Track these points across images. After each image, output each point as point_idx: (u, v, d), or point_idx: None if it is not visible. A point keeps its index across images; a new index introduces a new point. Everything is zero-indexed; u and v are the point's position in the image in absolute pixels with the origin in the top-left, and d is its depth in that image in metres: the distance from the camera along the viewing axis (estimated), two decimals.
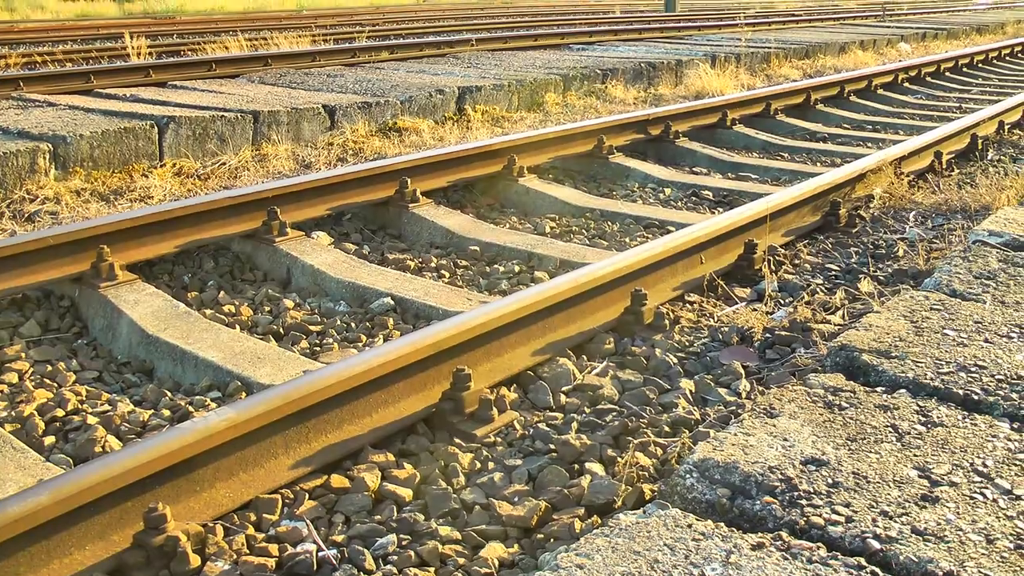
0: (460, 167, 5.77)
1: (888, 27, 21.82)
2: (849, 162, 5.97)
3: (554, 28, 19.62)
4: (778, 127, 8.57)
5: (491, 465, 2.66)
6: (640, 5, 40.90)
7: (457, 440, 2.77)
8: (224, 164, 6.56)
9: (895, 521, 1.77)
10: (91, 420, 2.91)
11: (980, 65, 14.75)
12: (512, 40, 15.66)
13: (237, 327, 3.73)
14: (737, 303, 3.97)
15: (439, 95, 8.60)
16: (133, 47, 13.32)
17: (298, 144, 7.27)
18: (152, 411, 3.00)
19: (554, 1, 49.70)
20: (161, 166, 6.40)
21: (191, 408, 2.98)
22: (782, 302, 4.00)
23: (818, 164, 7.09)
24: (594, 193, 6.09)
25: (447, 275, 4.42)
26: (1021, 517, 1.79)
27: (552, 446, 2.73)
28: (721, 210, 5.47)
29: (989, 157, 7.35)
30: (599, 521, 2.33)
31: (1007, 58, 16.17)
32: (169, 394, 3.14)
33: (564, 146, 6.57)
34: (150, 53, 13.52)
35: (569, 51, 13.83)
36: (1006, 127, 8.50)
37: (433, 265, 4.56)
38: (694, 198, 6.02)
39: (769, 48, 14.57)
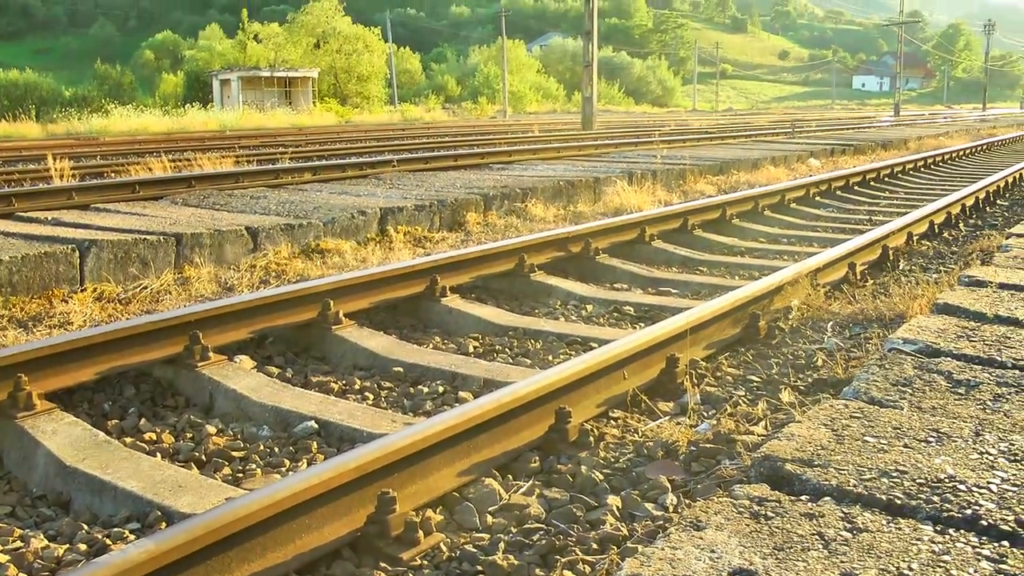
0: (383, 288, 5.80)
1: (798, 143, 22.48)
2: (767, 275, 6.09)
3: (474, 148, 19.93)
4: (696, 242, 8.74)
5: None
6: (558, 124, 41.76)
7: (383, 564, 2.74)
8: (146, 288, 6.52)
9: None
10: (2, 558, 2.83)
11: (886, 179, 15.24)
12: (433, 160, 15.88)
13: (158, 455, 3.68)
14: (661, 417, 4.00)
15: (361, 216, 8.66)
16: (56, 168, 13.29)
17: (221, 266, 7.26)
18: (68, 546, 2.93)
19: (474, 122, 50.59)
20: (82, 291, 6.34)
21: (109, 541, 2.92)
22: (706, 415, 4.05)
23: (736, 277, 7.23)
24: (517, 311, 6.15)
25: (371, 397, 4.42)
26: None
27: (479, 567, 2.72)
28: (643, 325, 5.54)
29: (901, 267, 7.56)
30: None
31: (911, 172, 16.73)
32: (86, 527, 3.07)
33: (486, 265, 6.64)
34: (73, 175, 13.46)
35: (489, 170, 14.03)
36: (915, 238, 8.77)
37: (357, 387, 4.56)
38: (616, 314, 6.09)
39: (684, 164, 14.91)
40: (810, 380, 4.53)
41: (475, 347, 5.29)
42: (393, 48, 76.26)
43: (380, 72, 68.66)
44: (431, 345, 5.36)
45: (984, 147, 24.16)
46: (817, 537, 2.17)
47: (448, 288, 6.04)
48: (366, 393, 4.48)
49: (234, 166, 14.75)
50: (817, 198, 12.32)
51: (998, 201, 12.77)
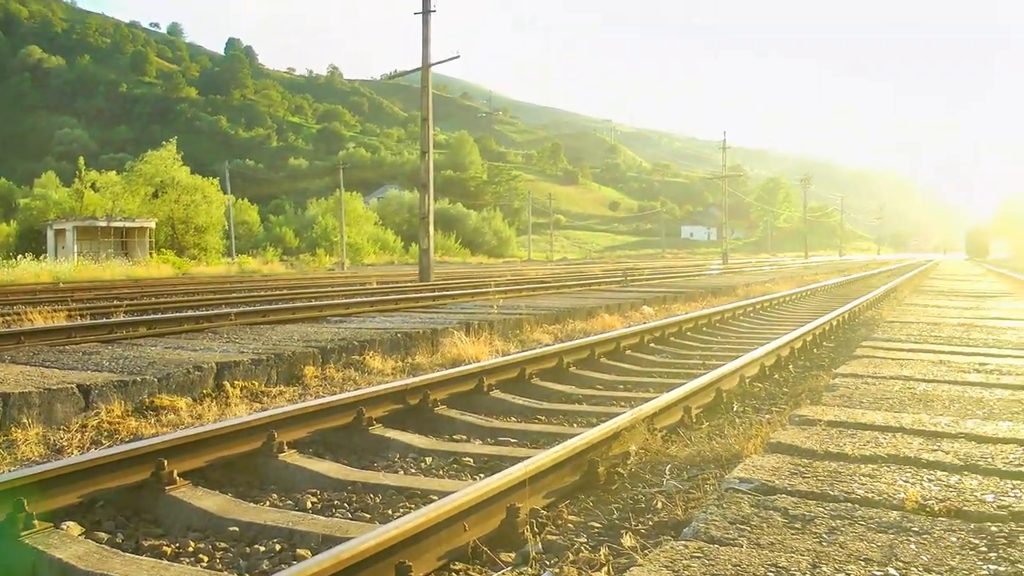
0: (218, 446, 5.70)
1: (631, 291, 23.11)
2: (604, 421, 6.21)
3: (312, 301, 19.86)
4: (534, 391, 8.84)
5: None
6: (396, 275, 41.96)
7: None
8: None
9: None
10: None
11: (718, 324, 15.74)
12: (271, 313, 15.77)
13: None
14: (503, 568, 4.02)
15: (197, 372, 8.54)
16: None
17: (50, 427, 7.02)
18: None
19: (312, 274, 50.45)
20: None
21: None
22: (548, 563, 4.07)
23: (575, 425, 7.33)
24: (355, 466, 6.10)
25: (206, 559, 4.31)
26: None
27: None
28: (482, 476, 5.57)
29: (734, 409, 7.80)
30: None
31: (741, 317, 17.34)
32: None
33: (324, 419, 6.61)
34: None
35: (327, 323, 14.00)
36: (747, 380, 9.08)
37: (191, 549, 4.44)
38: (455, 465, 6.11)
39: (521, 314, 15.15)
40: (651, 523, 4.62)
41: (313, 503, 5.24)
42: (231, 199, 75.92)
43: (218, 223, 68.18)
44: (268, 503, 5.28)
45: (808, 292, 25.22)
46: None
47: (285, 444, 5.97)
48: (200, 555, 4.37)
49: (66, 320, 14.39)
50: (652, 344, 12.63)
51: (824, 343, 13.32)
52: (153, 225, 60.91)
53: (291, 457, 5.89)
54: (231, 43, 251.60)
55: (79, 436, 6.80)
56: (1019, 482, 4.17)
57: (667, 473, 5.56)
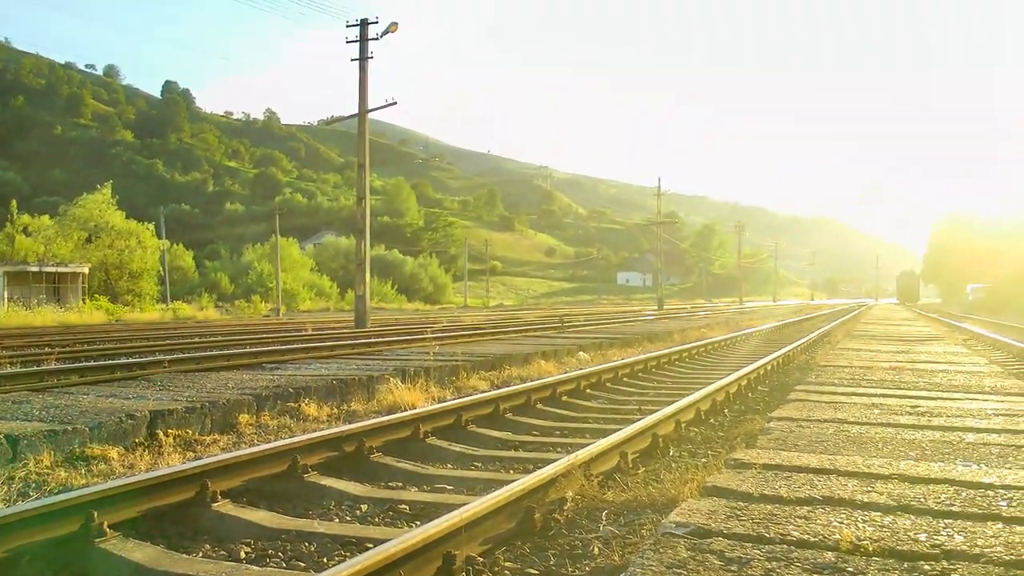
0: (150, 496, 5.62)
1: (567, 337, 23.19)
2: (541, 468, 6.21)
3: (247, 348, 19.71)
4: (470, 438, 8.83)
5: None
6: (332, 322, 41.76)
7: None
8: None
9: None
10: None
11: (654, 369, 15.84)
12: (206, 360, 15.62)
13: None
14: None
15: (130, 420, 8.42)
16: None
17: None
18: None
19: (248, 320, 50.03)
20: None
21: None
22: None
23: (511, 472, 7.33)
24: (290, 514, 6.04)
25: None
26: None
27: None
28: (419, 523, 5.54)
29: (671, 453, 7.85)
30: None
31: (676, 362, 17.45)
32: None
33: (258, 468, 6.54)
34: None
35: (263, 371, 13.89)
36: (683, 425, 9.14)
37: None
38: (391, 513, 6.08)
39: (457, 361, 15.15)
40: (588, 569, 4.63)
41: (247, 553, 5.18)
42: (167, 244, 75.12)
43: (153, 269, 67.34)
44: (201, 553, 5.21)
45: (743, 337, 25.47)
46: None
47: (219, 493, 5.90)
48: None
49: None
50: (588, 390, 12.67)
51: (759, 387, 13.45)
52: (86, 270, 60.09)
53: (225, 507, 5.83)
54: (168, 86, 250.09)
55: (5, 489, 6.66)
56: (951, 521, 4.24)
57: (604, 519, 5.57)
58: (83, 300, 56.54)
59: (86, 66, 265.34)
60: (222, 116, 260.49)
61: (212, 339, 25.07)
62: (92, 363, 15.04)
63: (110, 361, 15.58)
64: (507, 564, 4.86)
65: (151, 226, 67.33)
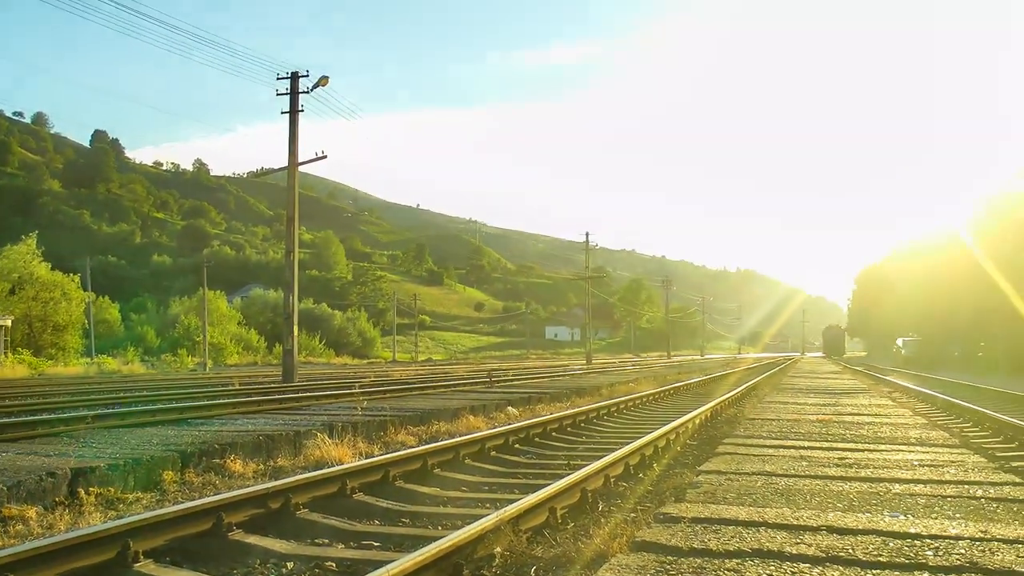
0: (70, 558, 5.50)
1: (496, 392, 23.17)
2: (469, 524, 6.18)
3: (173, 403, 19.40)
4: (398, 493, 8.76)
5: None
6: (259, 376, 41.33)
7: None
8: None
9: None
10: None
11: (582, 424, 15.87)
12: (130, 416, 15.36)
13: None
14: None
15: (50, 478, 8.25)
16: None
17: None
18: None
19: (174, 375, 49.35)
20: None
21: None
22: None
23: (440, 527, 7.28)
24: (214, 573, 5.95)
25: None
26: None
27: None
28: None
29: (600, 508, 7.85)
30: None
31: (605, 417, 17.50)
32: None
33: (182, 526, 6.44)
34: None
35: (188, 426, 13.70)
36: (612, 480, 9.15)
37: None
38: (317, 570, 6.01)
39: (385, 416, 15.07)
40: None
41: None
42: (92, 297, 73.97)
43: (78, 321, 66.18)
44: None
45: (671, 391, 25.60)
46: None
47: (141, 553, 5.80)
48: None
49: None
50: (516, 445, 12.66)
51: (688, 441, 13.52)
52: (9, 323, 58.91)
53: (147, 567, 5.73)
54: (97, 135, 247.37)
55: None
56: (879, 571, 4.30)
57: (532, 575, 5.55)
58: (5, 354, 55.37)
59: (14, 114, 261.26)
60: (151, 167, 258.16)
61: (137, 394, 24.69)
62: (12, 419, 14.67)
63: (31, 417, 15.24)
64: None
65: (77, 278, 66.34)
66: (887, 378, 35.50)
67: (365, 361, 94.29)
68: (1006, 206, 53.29)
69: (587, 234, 79.22)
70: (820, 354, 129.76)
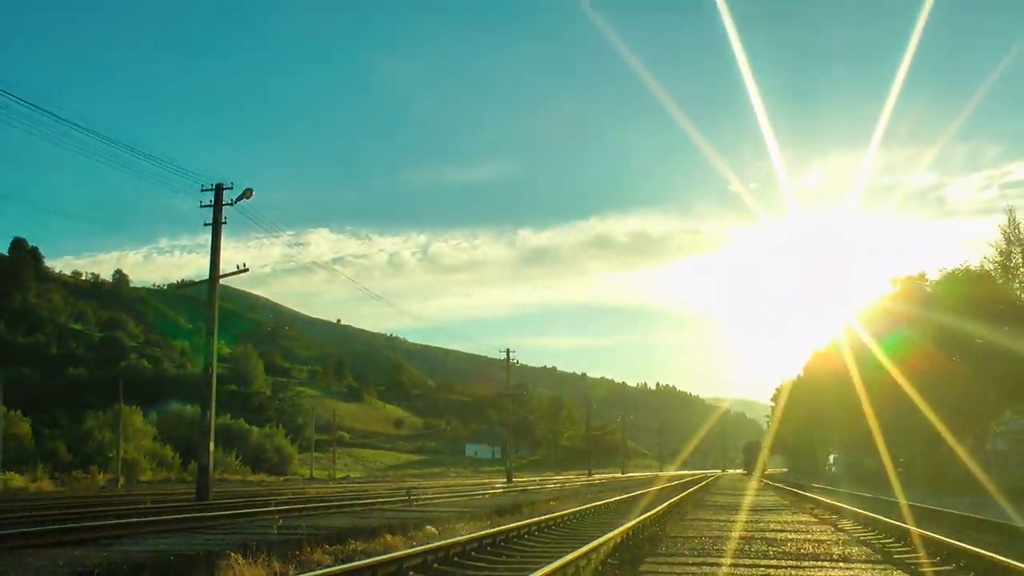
0: None
1: (414, 511, 22.88)
2: None
3: (81, 522, 18.84)
4: None
5: None
6: (174, 493, 40.43)
7: None
8: None
9: None
10: None
11: (503, 543, 15.69)
12: (35, 536, 14.89)
13: None
14: None
15: None
16: None
17: None
18: None
19: (84, 492, 48.01)
20: None
21: None
22: None
23: None
24: None
25: None
26: None
27: None
28: None
29: None
30: None
31: (525, 536, 17.34)
32: None
33: None
34: None
35: (96, 547, 13.31)
36: None
37: None
38: None
39: (301, 535, 14.79)
40: None
41: None
42: (3, 410, 72.05)
43: None
44: None
45: (592, 510, 25.44)
46: None
47: None
48: None
49: None
50: (436, 565, 12.47)
51: (608, 559, 13.40)
52: None
53: None
54: (16, 243, 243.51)
55: None
56: None
57: None
58: None
59: None
60: (70, 277, 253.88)
61: (44, 512, 23.94)
62: None
63: None
64: None
65: None
66: (808, 494, 35.65)
67: (282, 478, 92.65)
68: (875, 315, 54.45)
69: (508, 351, 79.38)
70: (741, 470, 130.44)
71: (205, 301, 33.11)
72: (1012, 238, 44.65)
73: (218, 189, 32.48)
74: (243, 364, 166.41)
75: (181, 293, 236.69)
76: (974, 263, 46.78)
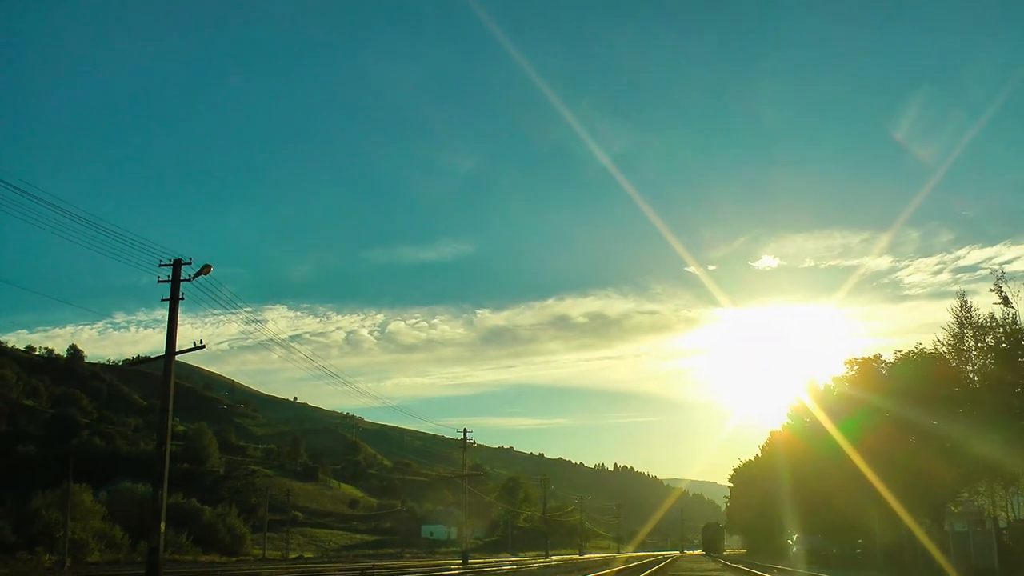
0: None
1: None
2: None
3: None
4: None
5: None
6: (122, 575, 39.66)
7: None
8: None
9: None
10: None
11: None
12: None
13: None
14: None
15: None
16: None
17: None
18: None
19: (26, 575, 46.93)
20: None
21: None
22: None
23: None
24: None
25: None
26: None
27: None
28: None
29: None
30: None
31: None
32: None
33: None
34: None
35: None
36: None
37: None
38: None
39: None
40: None
41: None
42: None
43: None
44: None
45: None
46: None
47: None
48: None
49: None
50: None
51: None
52: None
53: None
54: None
55: None
56: None
57: None
58: None
59: None
60: (23, 352, 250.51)
61: None
62: None
63: None
64: None
65: None
66: None
67: (234, 559, 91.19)
68: (831, 397, 54.78)
69: (465, 431, 78.97)
70: (700, 551, 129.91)
71: (161, 378, 32.72)
72: (964, 321, 45.29)
73: (176, 264, 32.33)
74: (197, 442, 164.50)
75: (137, 369, 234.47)
76: (928, 345, 47.39)
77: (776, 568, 49.33)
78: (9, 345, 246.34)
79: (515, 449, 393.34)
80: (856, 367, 53.52)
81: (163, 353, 32.26)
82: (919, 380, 45.56)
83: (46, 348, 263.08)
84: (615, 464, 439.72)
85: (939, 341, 46.64)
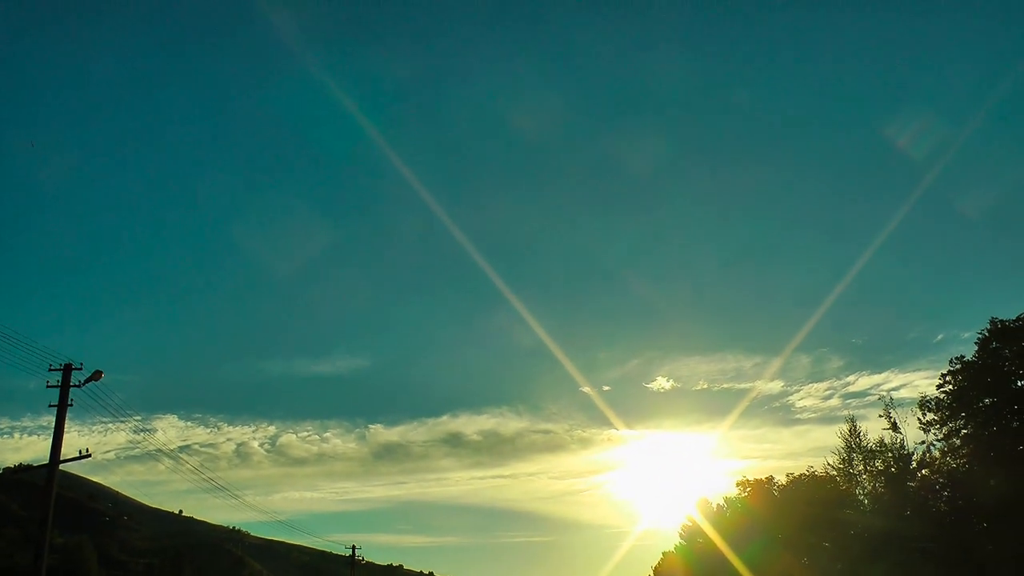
0: None
1: None
2: None
3: None
4: None
5: None
6: None
7: None
8: None
9: None
10: None
11: None
12: None
13: None
14: None
15: None
16: None
17: None
18: None
19: None
20: None
21: None
22: None
23: None
24: None
25: None
26: None
27: None
28: None
29: None
30: None
31: None
32: None
33: None
34: None
35: None
36: None
37: None
38: None
39: None
40: None
41: None
42: None
43: None
44: None
45: None
46: None
47: None
48: None
49: None
50: None
51: None
52: None
53: None
54: None
55: None
56: None
57: None
58: None
59: None
60: None
61: None
62: None
63: None
64: None
65: None
66: None
67: None
68: (724, 518, 55.08)
69: (353, 548, 77.58)
70: None
71: (43, 487, 31.64)
72: (854, 445, 46.34)
73: (66, 369, 31.56)
74: (76, 556, 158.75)
75: (17, 478, 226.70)
76: (819, 468, 48.32)
77: None
78: None
79: (404, 567, 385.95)
80: (748, 488, 54.13)
81: (47, 461, 31.25)
82: (810, 503, 46.24)
83: None
84: None
85: (829, 464, 47.55)
